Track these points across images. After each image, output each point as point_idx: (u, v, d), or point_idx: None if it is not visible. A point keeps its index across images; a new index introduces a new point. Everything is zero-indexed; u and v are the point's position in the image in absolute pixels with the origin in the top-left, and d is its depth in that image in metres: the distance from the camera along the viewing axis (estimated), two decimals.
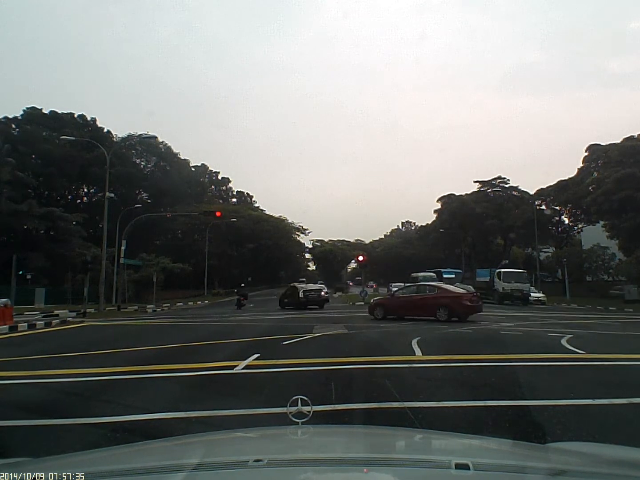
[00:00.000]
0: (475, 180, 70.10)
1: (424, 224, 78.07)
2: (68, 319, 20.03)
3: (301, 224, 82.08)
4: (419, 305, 17.37)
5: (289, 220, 79.34)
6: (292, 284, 31.21)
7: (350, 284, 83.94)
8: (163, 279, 38.79)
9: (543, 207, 51.62)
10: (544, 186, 52.21)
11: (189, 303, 39.51)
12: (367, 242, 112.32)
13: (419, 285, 19.59)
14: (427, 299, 17.36)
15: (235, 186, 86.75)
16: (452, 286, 19.47)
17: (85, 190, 58.85)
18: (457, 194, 63.17)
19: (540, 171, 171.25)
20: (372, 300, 21.19)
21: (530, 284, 35.82)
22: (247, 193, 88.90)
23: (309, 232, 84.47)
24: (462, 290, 18.16)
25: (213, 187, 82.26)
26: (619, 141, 42.68)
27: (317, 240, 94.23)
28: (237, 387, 6.46)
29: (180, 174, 62.97)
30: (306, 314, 21.54)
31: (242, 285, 36.23)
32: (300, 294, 26.59)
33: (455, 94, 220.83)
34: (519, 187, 58.66)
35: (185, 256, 52.41)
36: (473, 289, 20.30)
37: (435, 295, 17.29)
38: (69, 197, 56.93)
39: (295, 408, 2.00)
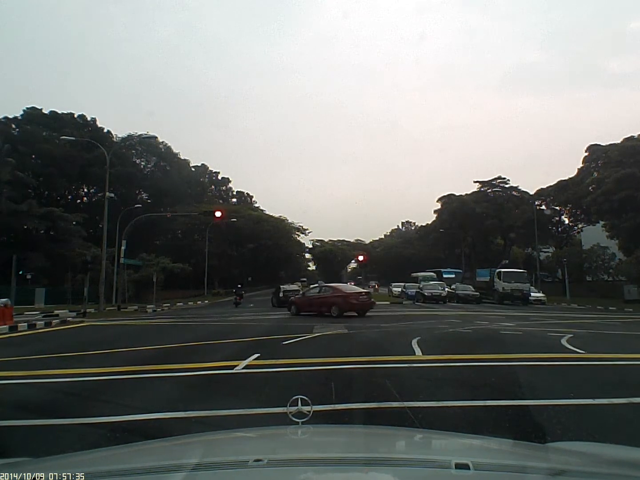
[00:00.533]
0: (475, 180, 70.13)
1: (424, 224, 78.14)
2: (68, 319, 20.01)
3: (301, 224, 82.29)
4: (319, 303, 19.88)
5: (289, 220, 79.50)
6: (284, 285, 34.01)
7: (352, 284, 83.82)
8: (163, 279, 38.79)
9: (543, 207, 51.63)
10: (544, 186, 52.31)
11: (189, 303, 39.51)
12: (367, 242, 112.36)
13: (320, 287, 22.01)
14: (324, 297, 19.90)
15: (235, 186, 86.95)
16: (346, 286, 22.52)
17: (85, 190, 58.85)
18: (457, 194, 63.18)
19: (540, 171, 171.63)
20: (289, 299, 23.50)
21: (530, 284, 35.85)
22: (247, 193, 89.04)
23: (309, 232, 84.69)
24: (351, 291, 20.46)
25: (213, 187, 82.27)
26: (619, 141, 42.69)
27: (317, 240, 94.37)
28: (237, 387, 6.46)
29: (180, 174, 62.97)
30: (306, 314, 21.52)
31: (239, 286, 39.45)
32: (281, 294, 28.97)
33: (455, 94, 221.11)
34: (519, 187, 58.72)
35: (185, 256, 52.40)
36: (367, 290, 22.81)
37: (329, 294, 19.79)
38: (69, 197, 56.93)
39: (295, 408, 2.00)
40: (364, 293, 20.24)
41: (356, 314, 19.12)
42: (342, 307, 18.84)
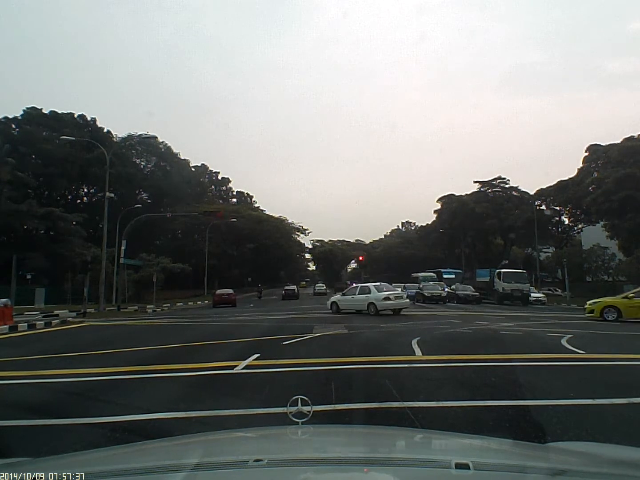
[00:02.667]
0: (475, 180, 69.96)
1: (424, 224, 78.07)
2: (68, 319, 20.02)
3: (301, 224, 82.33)
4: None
5: (289, 220, 79.59)
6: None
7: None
8: (163, 279, 38.81)
9: (543, 207, 51.60)
10: (544, 186, 52.29)
11: (189, 303, 39.54)
12: (367, 242, 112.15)
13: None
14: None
15: (235, 186, 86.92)
16: (222, 290, 35.85)
17: (85, 190, 58.80)
18: (457, 194, 63.24)
19: (540, 171, 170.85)
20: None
21: (530, 284, 35.82)
22: (247, 193, 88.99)
23: (309, 232, 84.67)
24: (220, 293, 34.97)
25: (213, 187, 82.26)
26: (619, 141, 42.72)
27: (317, 240, 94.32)
28: (237, 387, 6.46)
29: (180, 174, 62.96)
30: (306, 314, 21.55)
31: (259, 285, 53.88)
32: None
33: (455, 94, 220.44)
34: (519, 187, 58.77)
35: (185, 256, 52.40)
36: (230, 292, 35.63)
37: (214, 294, 35.74)
38: (69, 197, 56.89)
39: (295, 408, 1.99)
40: (225, 294, 34.16)
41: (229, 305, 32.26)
42: (214, 302, 33.24)
